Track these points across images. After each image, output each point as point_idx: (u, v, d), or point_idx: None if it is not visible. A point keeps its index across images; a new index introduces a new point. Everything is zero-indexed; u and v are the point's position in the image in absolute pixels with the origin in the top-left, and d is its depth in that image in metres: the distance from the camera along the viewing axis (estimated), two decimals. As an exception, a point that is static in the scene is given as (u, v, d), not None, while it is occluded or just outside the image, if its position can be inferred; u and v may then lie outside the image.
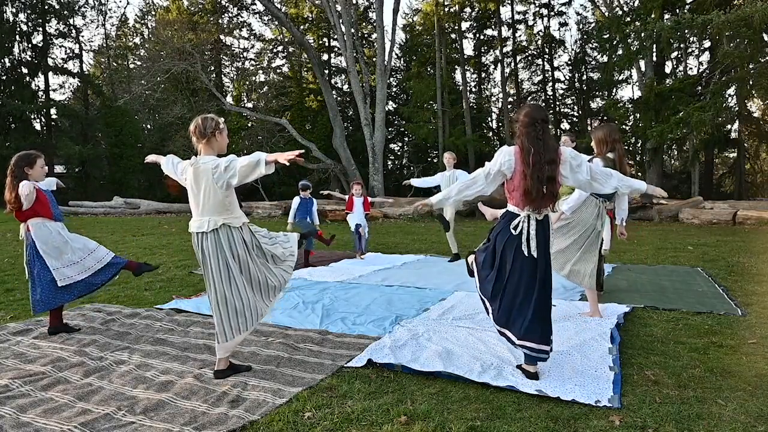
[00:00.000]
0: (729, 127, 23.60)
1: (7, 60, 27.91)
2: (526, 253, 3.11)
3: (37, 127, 29.74)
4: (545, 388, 3.01)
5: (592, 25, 28.79)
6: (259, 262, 3.44)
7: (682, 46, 23.80)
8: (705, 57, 25.73)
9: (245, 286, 3.35)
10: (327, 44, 32.70)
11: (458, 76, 30.71)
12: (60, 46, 30.86)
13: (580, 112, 30.96)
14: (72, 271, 4.24)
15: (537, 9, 29.66)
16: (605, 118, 27.59)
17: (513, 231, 3.13)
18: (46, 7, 29.03)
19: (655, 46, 20.06)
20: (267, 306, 3.50)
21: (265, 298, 3.47)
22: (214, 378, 3.30)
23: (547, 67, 31.29)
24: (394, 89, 32.67)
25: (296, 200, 7.97)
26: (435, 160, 30.06)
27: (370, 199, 8.78)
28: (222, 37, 31.54)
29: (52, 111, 29.81)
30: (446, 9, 28.47)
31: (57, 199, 4.53)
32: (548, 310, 3.19)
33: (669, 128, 16.87)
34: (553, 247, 4.22)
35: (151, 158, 3.80)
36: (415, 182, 8.08)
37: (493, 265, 3.24)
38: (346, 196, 8.30)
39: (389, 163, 33.40)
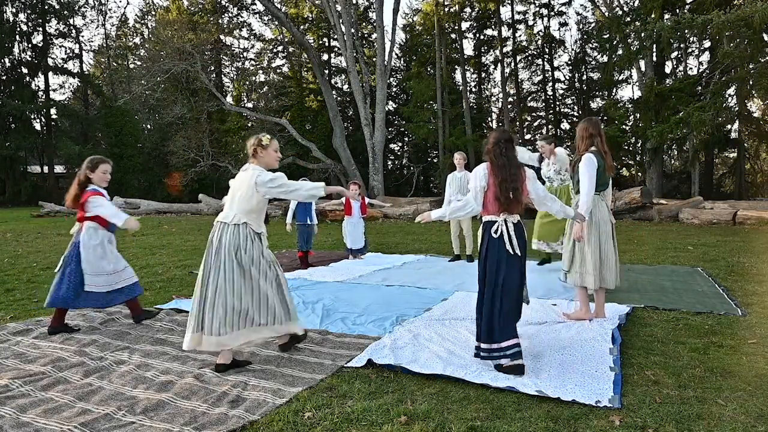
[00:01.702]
0: (729, 127, 23.60)
1: (7, 60, 27.96)
2: (511, 251, 3.42)
3: (37, 127, 29.78)
4: (545, 389, 3.01)
5: (592, 25, 28.80)
6: (267, 274, 3.54)
7: (682, 46, 23.82)
8: (705, 57, 25.79)
9: (246, 288, 3.45)
10: (327, 44, 32.71)
11: (458, 76, 30.74)
12: (60, 46, 30.94)
13: (580, 112, 30.95)
14: (100, 280, 4.35)
15: (537, 9, 29.69)
16: (605, 118, 27.59)
17: (494, 235, 3.45)
18: (46, 7, 29.05)
19: (655, 46, 20.06)
20: (262, 320, 3.49)
21: (262, 310, 3.50)
22: (216, 371, 3.33)
23: (547, 67, 31.31)
24: (394, 89, 32.67)
25: (294, 200, 7.82)
26: (435, 160, 30.07)
27: (367, 200, 8.72)
28: (222, 37, 31.56)
29: (52, 111, 29.84)
30: (446, 9, 28.48)
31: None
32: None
33: (669, 128, 16.86)
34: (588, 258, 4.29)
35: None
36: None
37: (484, 280, 3.48)
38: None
39: (389, 163, 33.41)
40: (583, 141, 4.35)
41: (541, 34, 30.15)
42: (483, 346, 3.40)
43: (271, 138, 3.74)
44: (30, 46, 29.24)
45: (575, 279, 4.43)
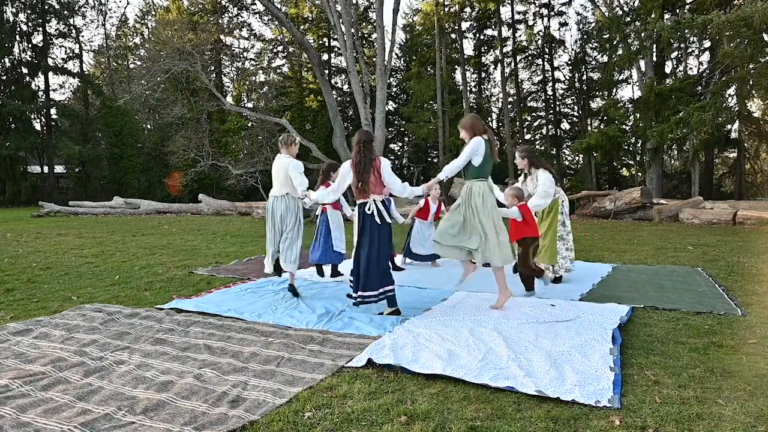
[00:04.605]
0: (729, 127, 23.52)
1: (7, 60, 27.90)
2: (379, 222, 4.63)
3: (37, 127, 29.73)
4: (545, 389, 3.01)
5: (592, 25, 28.78)
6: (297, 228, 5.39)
7: (682, 46, 23.79)
8: (705, 57, 25.76)
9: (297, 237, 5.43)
10: (327, 44, 32.70)
11: (458, 76, 30.73)
12: (60, 46, 30.88)
13: (580, 112, 30.94)
14: (342, 244, 6.60)
15: (537, 9, 29.67)
16: (605, 118, 27.56)
17: (367, 211, 4.63)
18: (46, 7, 29.02)
19: (655, 46, 20.05)
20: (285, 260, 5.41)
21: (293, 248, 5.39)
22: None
23: (547, 67, 31.27)
24: (394, 89, 32.66)
25: None
26: (435, 160, 30.07)
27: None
28: (222, 37, 31.53)
29: (52, 111, 29.80)
30: (446, 9, 28.47)
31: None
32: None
33: (669, 128, 16.85)
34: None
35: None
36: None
37: (364, 244, 4.65)
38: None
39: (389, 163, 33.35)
40: (472, 131, 4.71)
41: (541, 34, 30.12)
42: (360, 293, 4.58)
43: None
44: (30, 46, 29.19)
45: (494, 260, 4.71)
